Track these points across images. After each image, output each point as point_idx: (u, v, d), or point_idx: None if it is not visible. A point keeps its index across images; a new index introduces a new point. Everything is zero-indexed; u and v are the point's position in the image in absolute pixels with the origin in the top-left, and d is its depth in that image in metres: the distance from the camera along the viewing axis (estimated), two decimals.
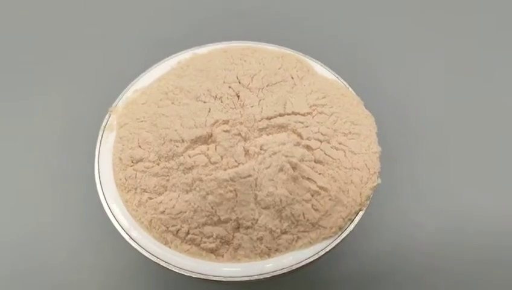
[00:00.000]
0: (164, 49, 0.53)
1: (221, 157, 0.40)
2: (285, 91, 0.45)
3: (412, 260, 0.49)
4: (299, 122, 0.42)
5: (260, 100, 0.44)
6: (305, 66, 0.48)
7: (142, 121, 0.44)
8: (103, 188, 0.42)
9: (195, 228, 0.39)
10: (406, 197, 0.52)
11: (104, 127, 0.45)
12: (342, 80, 0.48)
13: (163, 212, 0.40)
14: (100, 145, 0.44)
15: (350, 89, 0.47)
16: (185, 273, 0.38)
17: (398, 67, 0.63)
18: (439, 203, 0.52)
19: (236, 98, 0.44)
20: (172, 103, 0.44)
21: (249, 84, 0.45)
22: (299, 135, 0.41)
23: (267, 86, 0.45)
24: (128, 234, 0.40)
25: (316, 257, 0.39)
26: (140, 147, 0.43)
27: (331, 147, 0.42)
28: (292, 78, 0.46)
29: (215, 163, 0.40)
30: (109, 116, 0.46)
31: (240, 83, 0.45)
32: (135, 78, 0.48)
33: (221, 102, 0.44)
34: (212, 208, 0.39)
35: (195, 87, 0.45)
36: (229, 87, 0.44)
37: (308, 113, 0.43)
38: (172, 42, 0.57)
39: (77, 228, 0.50)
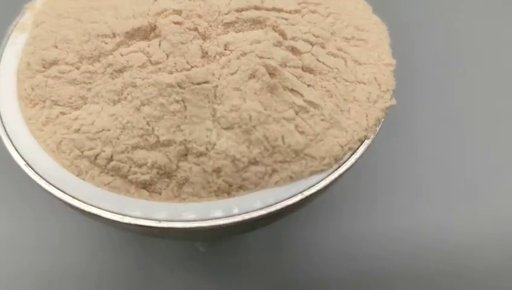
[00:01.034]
0: None
1: (167, 56, 0.27)
2: None
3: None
4: (283, 18, 0.29)
5: None
6: None
7: (64, 18, 0.32)
8: None
9: (122, 152, 0.26)
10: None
11: (14, 26, 0.32)
12: None
13: (77, 130, 0.27)
14: (5, 47, 0.31)
15: None
16: (102, 215, 0.25)
17: None
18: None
19: None
20: None
21: None
22: (282, 34, 0.29)
23: None
24: (22, 158, 0.27)
25: (298, 198, 0.26)
26: (56, 46, 0.30)
27: (327, 53, 0.29)
28: None
29: (156, 63, 0.27)
30: (23, 16, 0.33)
31: None
32: None
33: None
34: (148, 124, 0.26)
35: None
36: None
37: (296, 11, 0.31)
38: None
39: None
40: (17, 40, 0.32)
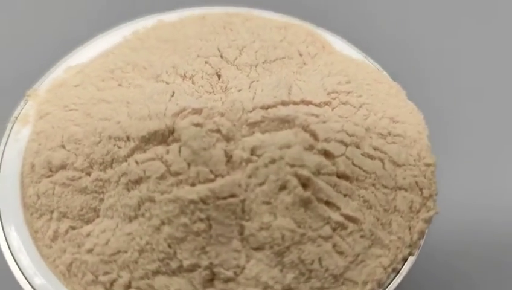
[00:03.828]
0: (117, 13, 0.36)
1: (188, 165, 0.24)
2: (290, 71, 0.30)
3: None
4: (313, 114, 0.27)
5: (252, 82, 0.29)
6: (319, 41, 0.33)
7: (72, 110, 0.29)
8: (1, 209, 0.26)
9: (142, 278, 0.24)
10: None
11: (16, 118, 0.29)
12: (372, 61, 0.32)
13: (90, 250, 0.25)
14: (6, 145, 0.29)
15: (385, 72, 0.32)
16: None
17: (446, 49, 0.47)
18: None
19: (215, 77, 0.29)
20: (120, 85, 0.29)
21: (236, 59, 0.30)
22: (313, 134, 0.26)
23: (263, 62, 0.30)
24: (30, 284, 0.24)
25: None
26: (64, 147, 0.27)
27: (363, 154, 0.26)
28: (301, 55, 0.31)
29: (177, 174, 0.24)
30: (25, 104, 0.30)
31: (222, 57, 0.30)
32: (70, 52, 0.33)
33: (193, 83, 0.29)
34: (169, 246, 0.24)
35: (155, 63, 0.30)
36: (206, 62, 0.30)
37: (326, 104, 0.28)
38: (128, 4, 0.40)
39: None
40: (19, 135, 0.29)
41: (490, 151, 0.42)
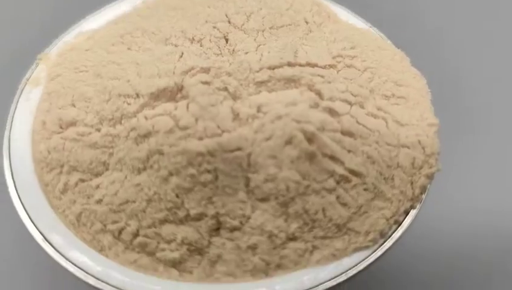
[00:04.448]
0: None
1: (196, 120, 0.25)
2: (296, 37, 0.30)
3: None
4: (318, 75, 0.27)
5: (259, 45, 0.30)
6: (324, 11, 0.34)
7: (82, 72, 0.30)
8: (12, 163, 0.27)
9: (149, 227, 0.24)
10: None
11: (27, 80, 0.30)
12: (377, 31, 0.33)
13: (99, 201, 0.25)
14: (17, 105, 0.29)
15: (389, 41, 0.32)
16: None
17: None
18: None
19: (223, 41, 0.30)
20: (129, 49, 0.30)
21: (244, 24, 0.31)
22: (318, 93, 0.27)
23: (269, 28, 0.31)
24: (40, 232, 0.25)
25: (342, 279, 0.23)
26: (74, 105, 0.28)
27: (367, 114, 0.27)
28: (306, 22, 0.32)
29: (185, 128, 0.25)
30: (36, 67, 0.31)
31: (229, 22, 0.31)
32: (81, 19, 0.33)
33: (201, 46, 0.29)
34: (177, 196, 0.24)
35: (164, 28, 0.31)
36: (214, 27, 0.31)
37: (331, 66, 0.29)
38: None
39: None
40: (31, 95, 0.30)
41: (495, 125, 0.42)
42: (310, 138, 0.25)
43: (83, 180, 0.26)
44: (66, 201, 0.26)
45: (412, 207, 0.26)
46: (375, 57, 0.30)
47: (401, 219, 0.25)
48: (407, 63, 0.31)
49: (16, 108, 0.29)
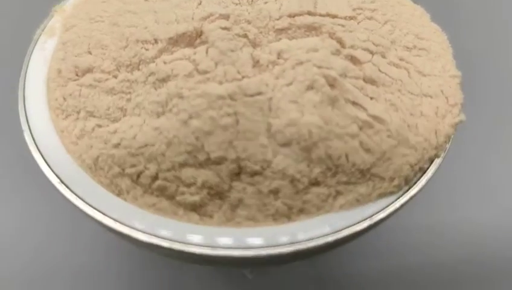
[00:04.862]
0: None
1: (215, 64, 0.24)
2: None
3: None
4: (339, 24, 0.27)
5: None
6: None
7: (98, 22, 0.29)
8: (27, 110, 0.26)
9: (168, 170, 0.24)
10: None
11: (42, 30, 0.30)
12: None
13: (117, 145, 0.24)
14: (32, 54, 0.29)
15: None
16: (145, 240, 0.22)
17: None
18: None
19: None
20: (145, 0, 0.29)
21: None
22: (340, 41, 0.26)
23: None
24: (57, 175, 0.24)
25: (366, 224, 0.23)
26: (90, 52, 0.27)
27: (388, 63, 0.26)
28: None
29: (204, 72, 0.24)
30: (51, 18, 0.30)
31: None
32: None
33: None
34: (196, 139, 0.24)
35: None
36: None
37: (351, 18, 0.28)
38: None
39: None
40: (46, 45, 0.29)
41: None
42: (332, 84, 0.25)
43: (99, 126, 0.26)
44: (83, 146, 0.25)
45: (437, 156, 0.25)
46: (395, 11, 0.30)
47: (425, 166, 0.25)
48: (427, 18, 0.31)
49: (30, 58, 0.29)
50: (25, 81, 0.28)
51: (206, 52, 0.25)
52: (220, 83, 0.24)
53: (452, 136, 0.26)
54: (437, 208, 0.38)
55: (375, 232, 0.25)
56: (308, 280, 0.35)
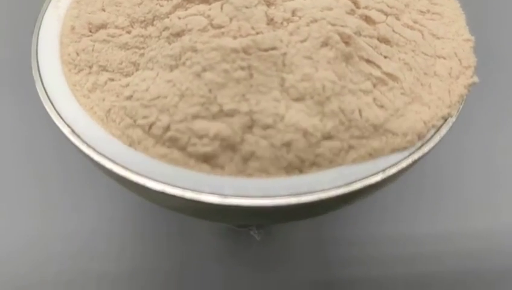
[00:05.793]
0: None
1: (230, 19, 0.24)
2: None
3: None
4: None
5: None
6: None
7: None
8: (39, 63, 0.26)
9: (181, 121, 0.23)
10: None
11: None
12: None
13: (130, 97, 0.24)
14: (45, 11, 0.29)
15: None
16: (157, 188, 0.22)
17: None
18: None
19: None
20: None
21: None
22: (354, 2, 0.26)
23: None
24: (68, 126, 0.24)
25: (379, 177, 0.23)
26: (104, 10, 0.27)
27: (402, 25, 0.26)
28: None
29: (219, 27, 0.24)
30: None
31: None
32: None
33: None
34: (209, 91, 0.23)
35: None
36: None
37: None
38: None
39: None
40: (60, 3, 0.29)
41: None
42: (347, 41, 0.25)
43: (112, 80, 0.26)
44: (95, 99, 0.25)
45: (450, 114, 0.25)
46: None
47: (439, 124, 0.25)
48: None
49: (44, 15, 0.29)
50: (38, 37, 0.28)
51: (221, 8, 0.25)
52: (234, 37, 0.24)
53: (465, 97, 0.25)
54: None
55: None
56: (313, 242, 0.35)
